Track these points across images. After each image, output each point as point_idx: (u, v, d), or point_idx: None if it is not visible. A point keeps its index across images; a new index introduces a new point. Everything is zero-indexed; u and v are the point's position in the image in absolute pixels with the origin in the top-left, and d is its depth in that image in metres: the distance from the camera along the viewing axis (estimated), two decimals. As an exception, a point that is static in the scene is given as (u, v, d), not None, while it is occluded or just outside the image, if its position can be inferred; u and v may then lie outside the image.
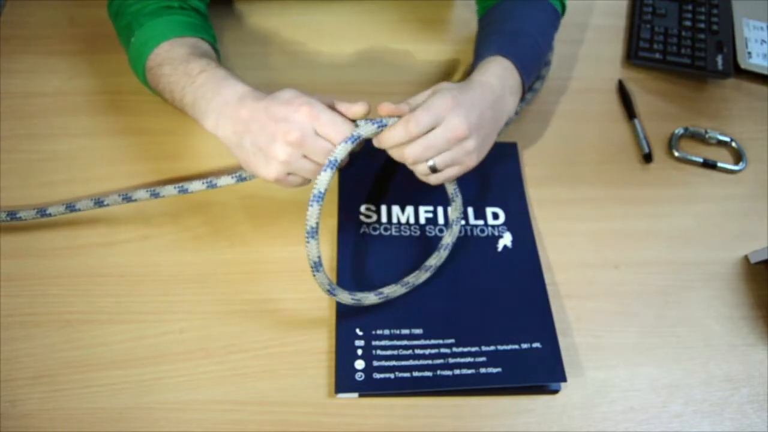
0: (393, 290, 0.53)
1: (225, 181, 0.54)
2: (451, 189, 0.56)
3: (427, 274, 0.54)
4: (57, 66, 0.69)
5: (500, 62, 0.58)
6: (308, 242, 0.49)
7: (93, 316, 0.52)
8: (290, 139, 0.47)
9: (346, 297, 0.51)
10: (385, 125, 0.50)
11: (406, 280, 0.54)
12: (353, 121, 0.50)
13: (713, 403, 0.52)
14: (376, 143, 0.51)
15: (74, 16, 0.74)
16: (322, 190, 0.48)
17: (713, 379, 0.53)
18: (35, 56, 0.70)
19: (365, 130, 0.49)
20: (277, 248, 0.57)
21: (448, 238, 0.56)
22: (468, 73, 0.60)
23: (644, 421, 0.51)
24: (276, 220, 0.59)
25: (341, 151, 0.48)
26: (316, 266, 0.49)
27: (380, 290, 0.52)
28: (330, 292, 0.51)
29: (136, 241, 0.56)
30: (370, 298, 0.52)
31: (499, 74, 0.56)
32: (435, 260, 0.55)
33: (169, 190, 0.55)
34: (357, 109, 0.50)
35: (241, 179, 0.54)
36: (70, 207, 0.55)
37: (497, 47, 0.59)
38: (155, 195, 0.56)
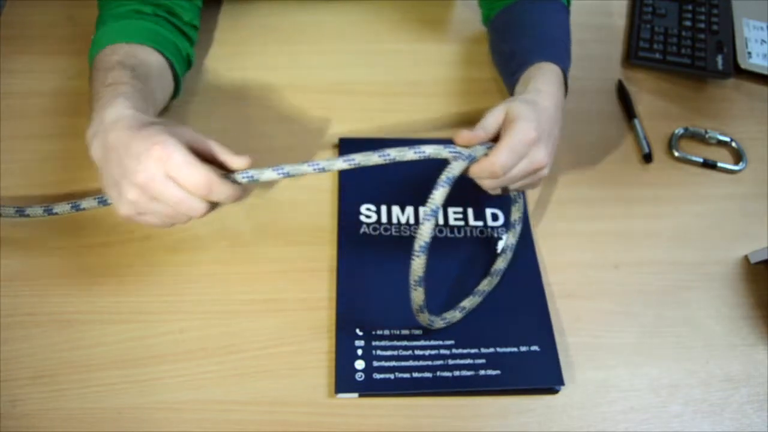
0: (472, 302, 0.53)
1: (89, 203, 0.51)
2: (515, 191, 0.56)
3: (498, 279, 0.55)
4: (57, 66, 0.69)
5: (555, 71, 0.57)
6: (416, 290, 0.48)
7: (93, 316, 0.52)
8: (136, 181, 0.43)
9: (439, 322, 0.52)
10: (474, 158, 0.47)
11: (480, 289, 0.54)
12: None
13: (713, 403, 0.52)
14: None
15: (74, 16, 0.74)
16: (428, 240, 0.46)
17: (713, 379, 0.53)
18: (35, 56, 0.69)
19: (457, 168, 0.46)
20: (277, 248, 0.57)
21: (512, 239, 0.57)
22: (511, 83, 0.60)
23: (644, 421, 0.51)
24: (276, 220, 0.59)
25: (439, 198, 0.45)
26: (421, 309, 0.49)
27: (461, 305, 0.53)
28: (430, 325, 0.51)
29: (136, 241, 0.56)
30: (456, 315, 0.52)
31: (558, 85, 0.57)
32: (503, 263, 0.56)
33: (36, 210, 0.53)
34: (238, 163, 0.47)
35: (103, 203, 0.51)
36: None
37: (542, 53, 0.59)
38: (21, 213, 0.53)
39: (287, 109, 0.68)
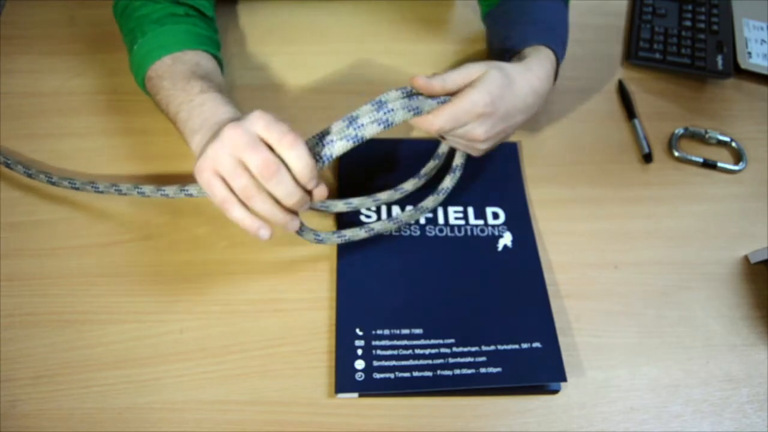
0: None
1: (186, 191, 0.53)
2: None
3: (443, 197, 0.59)
4: (57, 66, 0.69)
5: (549, 56, 0.57)
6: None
7: (93, 316, 0.52)
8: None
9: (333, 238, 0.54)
10: (420, 112, 0.50)
11: (397, 216, 0.57)
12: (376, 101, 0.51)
13: (713, 403, 0.52)
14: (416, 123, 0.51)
15: (74, 16, 0.74)
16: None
17: (713, 379, 0.53)
18: (35, 56, 0.70)
19: (399, 117, 0.49)
20: (277, 248, 0.57)
21: (459, 167, 0.59)
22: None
23: (644, 421, 0.51)
24: (276, 220, 0.59)
25: (369, 133, 0.49)
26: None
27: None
28: (305, 234, 0.53)
29: (136, 241, 0.57)
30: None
31: (548, 71, 0.56)
32: (450, 182, 0.58)
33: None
34: (319, 192, 0.49)
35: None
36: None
37: (540, 36, 0.59)
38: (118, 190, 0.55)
39: (287, 109, 0.68)
